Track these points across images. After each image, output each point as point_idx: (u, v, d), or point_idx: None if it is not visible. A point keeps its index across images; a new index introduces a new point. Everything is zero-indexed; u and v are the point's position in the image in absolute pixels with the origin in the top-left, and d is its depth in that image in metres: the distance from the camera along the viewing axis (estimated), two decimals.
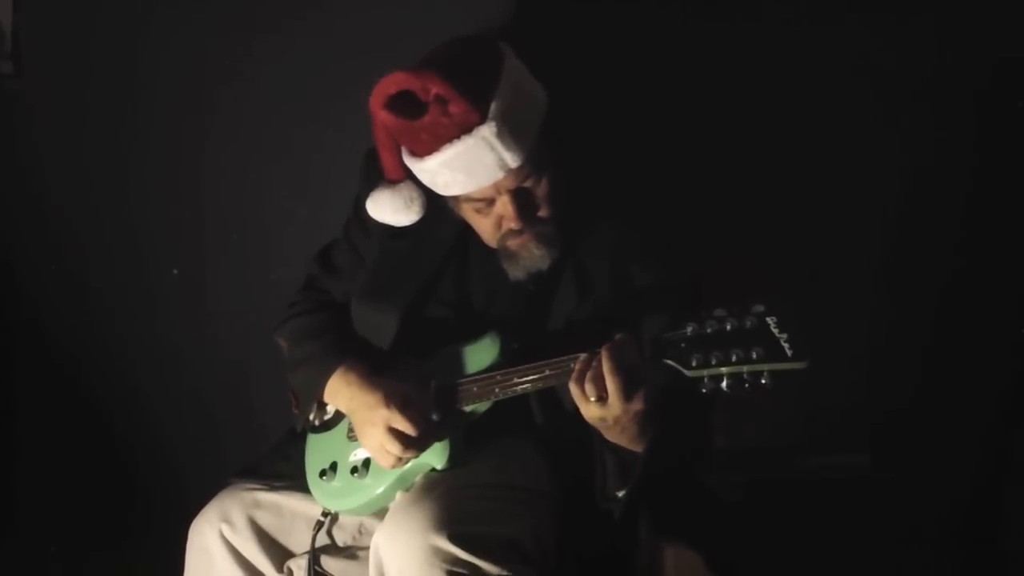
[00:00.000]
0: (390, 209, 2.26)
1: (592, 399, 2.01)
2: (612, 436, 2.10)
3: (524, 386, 2.14)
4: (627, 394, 1.99)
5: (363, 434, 2.25)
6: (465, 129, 2.06)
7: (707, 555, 2.27)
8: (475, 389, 2.19)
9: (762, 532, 2.71)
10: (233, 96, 2.92)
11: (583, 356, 2.03)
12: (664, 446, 2.12)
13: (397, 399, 2.19)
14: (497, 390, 2.16)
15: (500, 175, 2.12)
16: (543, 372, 2.10)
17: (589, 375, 2.01)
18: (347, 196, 2.46)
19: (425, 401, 2.21)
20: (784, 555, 2.72)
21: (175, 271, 3.03)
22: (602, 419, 2.04)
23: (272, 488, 2.36)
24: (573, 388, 2.03)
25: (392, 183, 2.25)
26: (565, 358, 2.07)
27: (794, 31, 2.74)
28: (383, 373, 2.28)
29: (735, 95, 2.75)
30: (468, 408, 2.20)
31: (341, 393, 2.30)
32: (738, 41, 2.74)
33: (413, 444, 2.18)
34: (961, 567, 2.93)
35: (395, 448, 2.18)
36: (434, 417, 2.20)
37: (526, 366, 2.13)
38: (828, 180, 2.80)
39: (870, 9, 2.72)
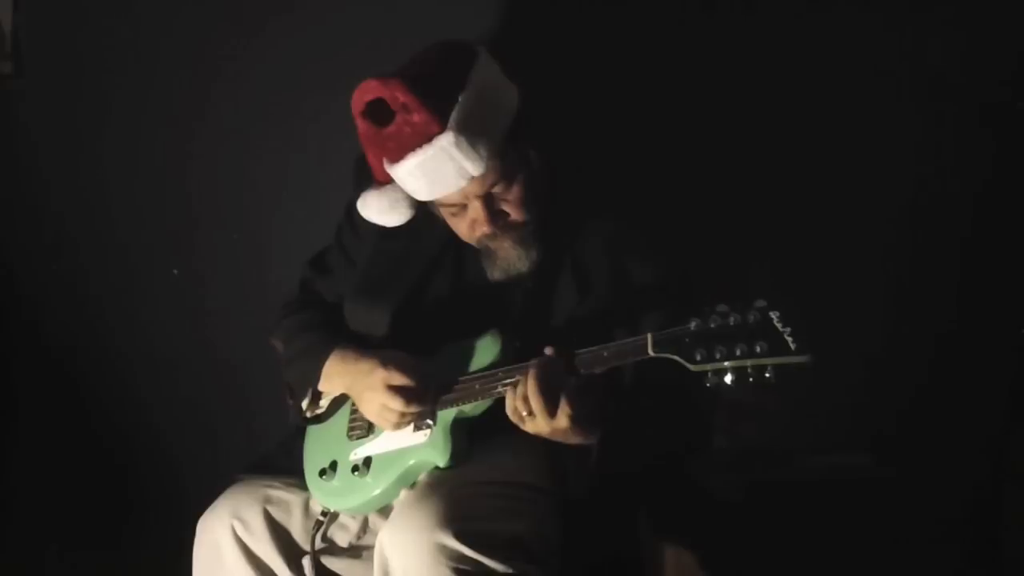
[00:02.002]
0: (376, 210, 2.29)
1: (524, 414, 2.05)
2: (559, 440, 2.12)
3: None
4: (551, 412, 2.03)
5: (363, 401, 2.26)
6: (426, 138, 2.10)
7: (707, 556, 2.27)
8: (477, 387, 2.19)
9: (763, 532, 2.71)
10: (234, 97, 2.93)
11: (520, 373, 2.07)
12: (619, 445, 2.14)
13: (392, 359, 2.23)
14: (500, 388, 2.15)
15: (463, 183, 2.15)
16: None
17: (517, 392, 2.05)
18: (346, 198, 2.46)
19: (421, 358, 2.24)
20: (785, 555, 2.72)
21: (175, 271, 3.03)
22: (536, 432, 2.08)
23: (284, 484, 2.36)
24: (507, 406, 2.07)
25: (380, 184, 2.28)
26: (526, 364, 2.08)
27: (796, 28, 2.75)
28: None
29: (741, 94, 2.75)
30: (469, 406, 2.20)
31: (337, 373, 2.32)
32: (742, 38, 2.74)
33: (414, 397, 2.20)
34: (961, 567, 2.92)
35: (397, 403, 2.19)
36: (432, 371, 2.23)
37: (527, 363, 2.12)
38: (828, 179, 2.80)
39: (871, 9, 2.72)
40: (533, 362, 2.06)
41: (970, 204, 2.84)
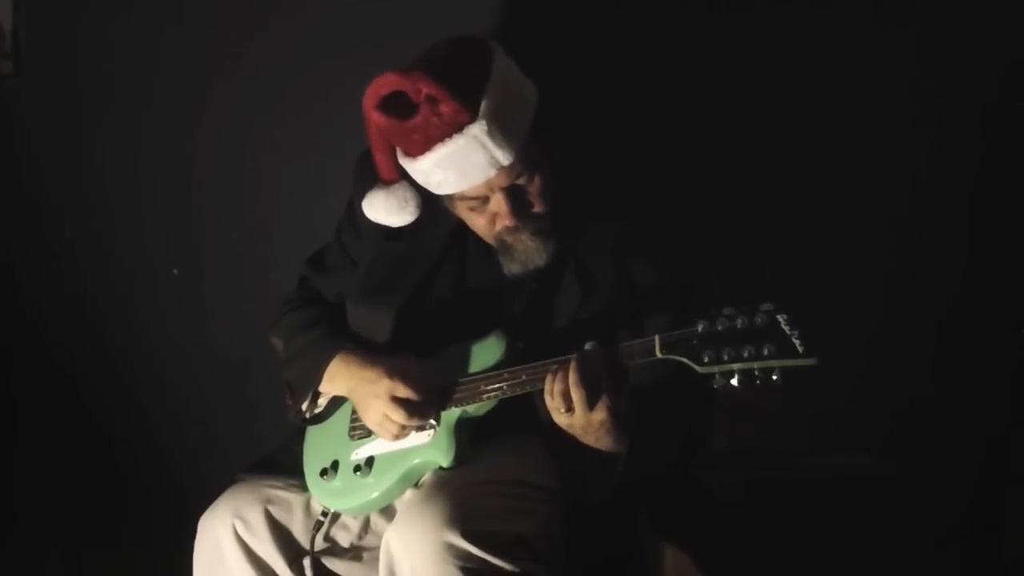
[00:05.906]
0: (385, 210, 2.27)
1: (562, 410, 2.04)
2: (588, 442, 2.12)
3: (530, 385, 2.14)
4: (591, 405, 2.03)
5: (365, 408, 2.26)
6: (456, 128, 2.08)
7: (707, 556, 2.28)
8: (481, 387, 2.19)
9: (762, 532, 2.71)
10: (234, 96, 2.93)
11: (555, 367, 2.07)
12: (644, 449, 2.14)
13: (398, 370, 2.22)
14: (506, 388, 2.16)
15: (492, 173, 2.14)
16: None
17: (556, 387, 2.04)
18: (347, 197, 2.46)
19: (425, 370, 2.23)
20: (784, 555, 2.72)
21: (175, 271, 3.03)
22: (570, 427, 2.08)
23: (285, 484, 2.35)
24: (545, 398, 2.07)
25: (387, 184, 2.26)
26: (569, 357, 2.07)
27: (796, 28, 2.75)
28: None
29: (742, 95, 2.76)
30: (473, 406, 2.20)
31: (340, 376, 2.30)
32: (743, 41, 2.75)
33: (417, 411, 2.20)
34: (961, 567, 2.93)
35: (399, 416, 2.19)
36: (437, 381, 2.22)
37: (531, 365, 2.14)
38: (828, 180, 2.81)
39: (872, 9, 2.73)
40: (573, 355, 2.05)
41: (970, 204, 2.84)
